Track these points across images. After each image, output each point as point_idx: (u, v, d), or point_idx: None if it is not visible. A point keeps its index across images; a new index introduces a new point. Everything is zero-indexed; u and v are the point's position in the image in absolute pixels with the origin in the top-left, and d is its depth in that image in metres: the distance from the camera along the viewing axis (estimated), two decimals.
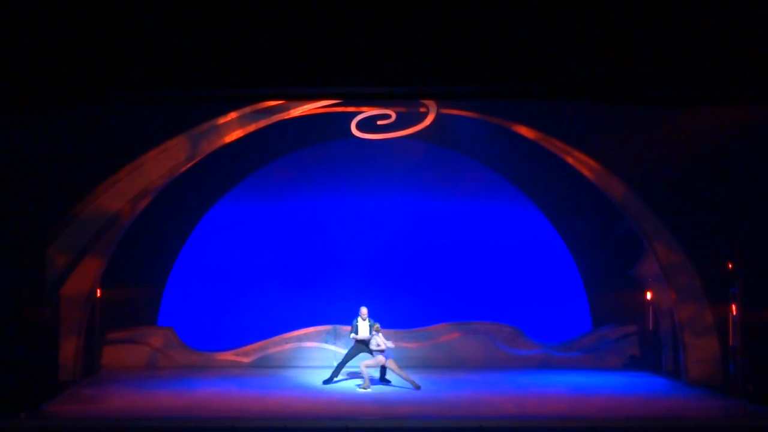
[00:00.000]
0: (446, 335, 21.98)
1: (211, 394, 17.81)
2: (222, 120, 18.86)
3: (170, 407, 16.49)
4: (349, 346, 19.33)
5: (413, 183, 22.89)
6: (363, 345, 18.88)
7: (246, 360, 21.65)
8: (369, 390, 18.18)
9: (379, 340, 18.54)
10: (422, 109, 19.67)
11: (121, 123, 17.55)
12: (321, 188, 22.98)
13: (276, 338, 21.86)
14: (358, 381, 18.87)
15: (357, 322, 18.89)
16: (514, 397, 17.56)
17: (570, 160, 19.70)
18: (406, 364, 21.21)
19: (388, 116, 19.71)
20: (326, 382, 18.91)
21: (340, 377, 19.21)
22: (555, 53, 10.88)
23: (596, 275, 22.45)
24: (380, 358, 18.56)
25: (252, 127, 19.19)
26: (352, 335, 18.94)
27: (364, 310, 18.96)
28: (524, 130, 19.62)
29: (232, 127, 19.05)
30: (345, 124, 20.03)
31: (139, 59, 10.85)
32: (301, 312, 22.41)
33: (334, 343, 21.66)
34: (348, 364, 19.23)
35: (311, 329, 21.85)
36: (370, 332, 18.77)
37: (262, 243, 23.12)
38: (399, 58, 10.91)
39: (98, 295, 20.14)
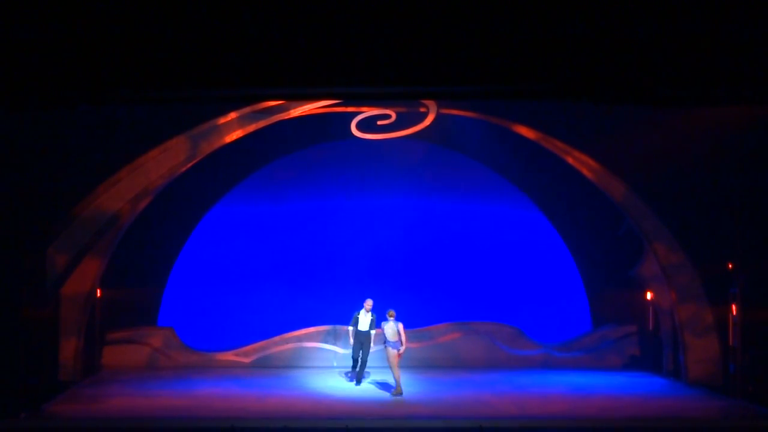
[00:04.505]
0: (447, 335, 21.99)
1: (211, 394, 17.81)
2: (222, 120, 18.86)
3: (170, 407, 16.48)
4: (353, 343, 18.85)
5: (413, 183, 22.90)
6: (363, 336, 18.67)
7: (246, 360, 21.65)
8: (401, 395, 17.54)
9: (399, 329, 17.74)
10: (422, 109, 19.68)
11: (121, 123, 17.56)
12: (321, 188, 22.99)
13: (276, 338, 21.87)
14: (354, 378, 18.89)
15: (359, 314, 18.63)
16: (515, 397, 17.56)
17: (570, 160, 19.70)
18: (407, 364, 21.23)
19: (388, 116, 19.72)
20: (357, 382, 18.81)
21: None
22: (555, 53, 10.88)
23: (596, 275, 22.46)
24: (392, 351, 17.73)
25: (252, 127, 19.20)
26: (351, 328, 18.66)
27: (369, 303, 18.68)
28: (524, 130, 19.62)
29: (232, 127, 19.05)
30: (345, 124, 20.04)
31: (139, 59, 10.84)
32: (301, 312, 22.42)
33: (334, 344, 21.67)
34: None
35: (311, 329, 21.85)
36: (372, 326, 18.52)
37: (262, 243, 23.13)
38: (399, 58, 10.90)
39: (98, 295, 20.14)
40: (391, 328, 17.73)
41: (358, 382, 18.78)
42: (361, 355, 18.62)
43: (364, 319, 18.59)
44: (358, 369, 18.75)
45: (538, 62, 10.96)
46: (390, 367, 17.86)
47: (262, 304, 22.76)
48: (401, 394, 17.47)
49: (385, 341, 17.84)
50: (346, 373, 19.65)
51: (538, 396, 17.79)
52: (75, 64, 10.89)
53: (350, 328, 18.73)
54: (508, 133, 20.12)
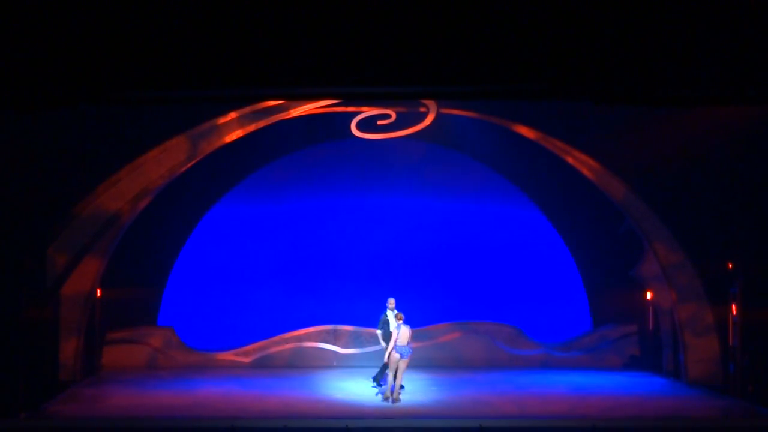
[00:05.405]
0: (447, 335, 21.97)
1: (211, 394, 17.81)
2: (222, 120, 18.87)
3: (170, 407, 16.49)
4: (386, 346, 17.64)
5: (413, 183, 22.90)
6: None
7: (246, 360, 21.65)
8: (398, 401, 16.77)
9: (407, 334, 16.93)
10: (422, 109, 19.67)
11: (121, 123, 17.56)
12: (321, 188, 22.99)
13: (276, 338, 21.86)
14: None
15: (386, 315, 17.83)
16: (514, 397, 17.56)
17: (570, 160, 19.70)
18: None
19: (388, 116, 19.71)
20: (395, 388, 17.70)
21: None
22: (555, 53, 10.88)
23: (596, 275, 22.45)
24: (396, 356, 16.86)
25: (252, 127, 19.20)
26: (379, 331, 17.79)
27: (392, 301, 17.94)
28: (524, 130, 19.63)
29: (232, 127, 19.06)
30: (345, 124, 20.04)
31: (139, 59, 10.85)
32: (301, 312, 22.42)
33: (334, 343, 21.67)
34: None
35: (311, 329, 21.85)
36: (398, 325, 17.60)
37: (262, 243, 23.13)
38: (399, 58, 10.90)
39: (98, 295, 20.14)
40: (403, 331, 16.96)
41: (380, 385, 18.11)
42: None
43: (392, 319, 17.69)
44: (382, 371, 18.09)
45: (538, 62, 10.96)
46: (391, 371, 16.96)
47: (262, 304, 22.76)
48: (397, 400, 16.76)
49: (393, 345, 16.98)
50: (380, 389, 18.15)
51: (538, 396, 17.79)
52: (75, 64, 10.89)
53: (379, 331, 17.88)
54: (508, 133, 20.12)
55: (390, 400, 16.75)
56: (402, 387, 17.54)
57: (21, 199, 16.12)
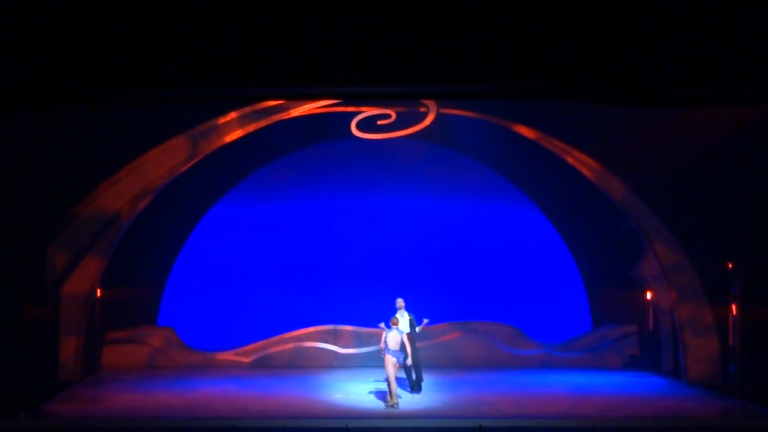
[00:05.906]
0: (447, 335, 21.97)
1: (211, 394, 17.82)
2: (222, 120, 18.87)
3: (170, 407, 16.49)
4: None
5: (413, 183, 22.89)
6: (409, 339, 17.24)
7: (246, 360, 21.65)
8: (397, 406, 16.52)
9: (403, 338, 16.71)
10: (422, 109, 19.67)
11: (121, 123, 17.56)
12: (321, 188, 22.99)
13: (276, 338, 21.86)
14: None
15: (404, 317, 17.48)
16: (514, 397, 17.56)
17: (570, 160, 19.70)
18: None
19: (388, 116, 19.71)
20: (418, 389, 17.85)
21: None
22: (555, 53, 10.89)
23: (596, 275, 22.45)
24: (393, 360, 16.49)
25: (252, 127, 19.20)
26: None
27: (400, 302, 17.66)
28: (524, 130, 19.62)
29: (232, 127, 19.06)
30: (345, 124, 20.03)
31: (139, 59, 10.85)
32: (301, 312, 22.41)
33: (333, 343, 21.67)
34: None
35: (311, 329, 21.84)
36: (413, 324, 17.36)
37: (262, 243, 23.13)
38: (399, 58, 10.91)
39: (98, 295, 20.14)
40: (395, 335, 16.67)
41: (419, 389, 17.81)
42: (411, 360, 17.23)
43: (403, 321, 17.42)
44: (414, 376, 17.81)
45: (538, 62, 10.97)
46: (387, 375, 16.64)
47: (262, 304, 22.76)
48: (396, 405, 16.37)
49: (385, 348, 16.64)
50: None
51: (538, 396, 17.79)
52: (75, 64, 10.90)
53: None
54: (508, 133, 20.11)
55: (394, 405, 16.39)
56: (420, 386, 17.81)
57: (21, 199, 16.12)
